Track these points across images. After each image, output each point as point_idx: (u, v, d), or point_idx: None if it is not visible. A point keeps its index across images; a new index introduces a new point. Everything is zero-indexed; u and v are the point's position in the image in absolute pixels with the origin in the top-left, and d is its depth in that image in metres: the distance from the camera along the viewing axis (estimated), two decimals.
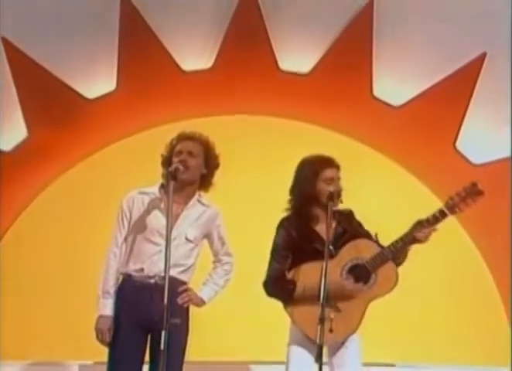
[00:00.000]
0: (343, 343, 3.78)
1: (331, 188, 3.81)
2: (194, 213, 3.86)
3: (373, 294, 3.77)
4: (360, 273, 3.79)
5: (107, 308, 3.73)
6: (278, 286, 3.84)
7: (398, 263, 3.82)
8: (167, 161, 3.87)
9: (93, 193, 5.79)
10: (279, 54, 5.64)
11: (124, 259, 3.82)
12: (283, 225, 3.93)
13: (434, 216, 3.74)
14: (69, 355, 5.37)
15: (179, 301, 3.75)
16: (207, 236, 3.95)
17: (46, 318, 5.68)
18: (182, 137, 3.91)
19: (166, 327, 3.36)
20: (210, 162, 3.92)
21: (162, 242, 3.67)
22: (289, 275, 3.82)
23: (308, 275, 3.73)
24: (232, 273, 4.02)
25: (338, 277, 3.76)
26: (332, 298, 3.70)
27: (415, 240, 3.76)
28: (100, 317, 3.73)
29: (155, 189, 3.88)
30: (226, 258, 4.00)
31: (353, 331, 3.76)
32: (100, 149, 5.88)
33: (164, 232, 3.66)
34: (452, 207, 3.73)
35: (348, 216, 3.98)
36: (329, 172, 3.87)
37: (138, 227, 3.80)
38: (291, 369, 3.79)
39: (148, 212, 3.83)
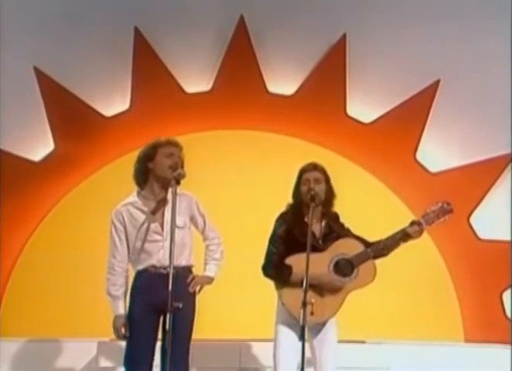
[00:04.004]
0: (323, 325, 4.04)
1: (307, 189, 4.05)
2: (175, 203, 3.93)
3: (353, 285, 4.03)
4: (345, 267, 4.04)
5: (120, 308, 3.98)
6: (277, 269, 4.00)
7: (383, 255, 4.11)
8: (147, 158, 4.03)
9: (109, 196, 5.53)
10: (267, 79, 6.18)
11: (136, 261, 4.02)
12: (282, 218, 4.13)
13: (413, 225, 4.06)
14: (87, 333, 5.58)
15: (190, 289, 3.95)
16: (192, 218, 4.08)
17: (71, 301, 5.98)
18: (171, 143, 4.05)
19: (171, 310, 3.61)
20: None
21: (160, 238, 3.97)
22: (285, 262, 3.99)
23: (299, 264, 3.86)
24: (222, 244, 4.15)
25: (325, 268, 4.01)
26: (318, 286, 3.94)
27: (395, 245, 4.09)
28: (116, 317, 3.98)
29: (134, 198, 4.04)
30: (212, 233, 4.13)
31: (332, 316, 4.03)
32: (116, 159, 6.14)
33: (157, 229, 3.97)
34: (427, 220, 4.10)
35: (334, 217, 4.25)
36: (308, 175, 4.11)
37: (136, 234, 4.00)
38: (279, 345, 4.04)
39: (138, 219, 4.01)
